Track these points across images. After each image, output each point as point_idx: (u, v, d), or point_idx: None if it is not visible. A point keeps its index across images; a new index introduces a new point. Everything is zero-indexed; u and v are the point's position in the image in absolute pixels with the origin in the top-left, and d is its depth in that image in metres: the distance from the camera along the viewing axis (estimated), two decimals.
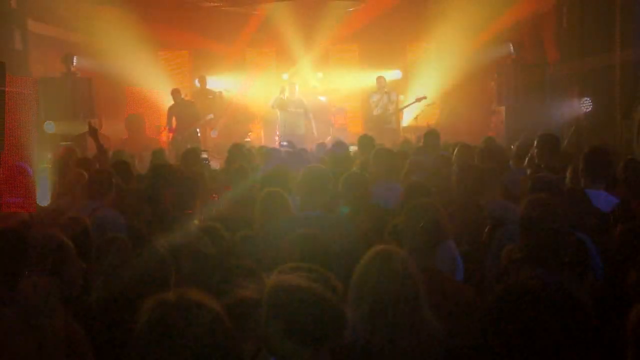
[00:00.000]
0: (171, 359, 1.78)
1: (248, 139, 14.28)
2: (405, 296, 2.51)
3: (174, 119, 13.38)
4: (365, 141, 7.65)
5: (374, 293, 2.53)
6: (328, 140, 12.58)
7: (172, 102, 13.60)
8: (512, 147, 8.38)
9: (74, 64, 13.37)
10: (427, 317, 2.53)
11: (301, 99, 13.87)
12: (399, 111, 14.58)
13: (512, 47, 13.86)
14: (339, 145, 7.89)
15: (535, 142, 6.10)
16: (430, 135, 8.46)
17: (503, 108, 13.30)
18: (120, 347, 2.70)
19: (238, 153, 8.10)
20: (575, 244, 2.83)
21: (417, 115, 14.74)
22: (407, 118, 15.31)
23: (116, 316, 2.87)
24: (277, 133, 13.60)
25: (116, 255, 3.82)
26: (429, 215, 3.27)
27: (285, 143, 10.11)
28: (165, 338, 1.80)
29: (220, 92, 15.31)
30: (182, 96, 13.66)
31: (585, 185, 4.73)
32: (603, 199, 4.54)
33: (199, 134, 13.44)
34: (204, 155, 7.63)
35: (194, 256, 3.36)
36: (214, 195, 5.87)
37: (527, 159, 6.64)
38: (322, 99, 15.50)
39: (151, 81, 15.16)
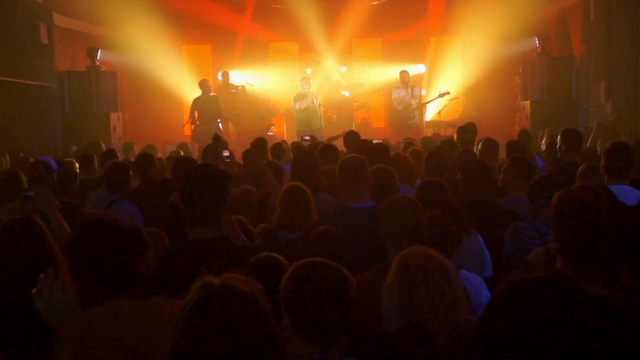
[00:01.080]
0: (208, 342, 1.81)
1: (270, 133, 14.30)
2: (431, 282, 2.51)
3: (196, 112, 13.42)
4: (350, 137, 7.58)
5: (400, 282, 2.53)
6: None
7: (195, 95, 13.66)
8: (542, 142, 8.30)
9: (99, 57, 13.50)
10: (454, 303, 2.53)
11: (314, 93, 13.89)
12: (422, 106, 14.48)
13: (537, 41, 13.70)
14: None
15: (559, 137, 6.04)
16: (464, 129, 8.26)
17: (528, 102, 13.16)
18: None
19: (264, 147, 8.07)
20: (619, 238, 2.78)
21: (441, 110, 14.65)
22: (431, 113, 15.22)
23: None
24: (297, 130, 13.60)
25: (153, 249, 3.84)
26: (403, 211, 3.25)
27: (307, 137, 10.10)
28: (204, 321, 1.83)
29: (243, 87, 15.35)
30: (210, 89, 13.70)
31: (608, 181, 4.66)
32: (628, 194, 4.47)
33: (221, 129, 13.49)
34: (226, 153, 7.62)
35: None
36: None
37: (544, 153, 6.58)
38: (345, 93, 15.46)
39: (174, 75, 15.25)
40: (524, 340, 1.79)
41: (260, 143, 7.84)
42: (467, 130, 8.14)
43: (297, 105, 13.78)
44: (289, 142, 9.97)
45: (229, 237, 3.23)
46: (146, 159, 6.26)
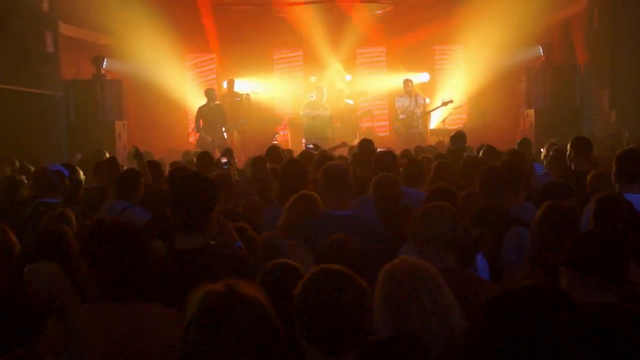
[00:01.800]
0: (218, 350, 1.80)
1: (275, 141, 14.33)
2: (420, 290, 2.52)
3: (201, 121, 13.48)
4: (365, 145, 7.63)
5: (389, 292, 2.54)
6: (355, 142, 12.58)
7: (200, 103, 13.72)
8: (541, 149, 8.31)
9: (104, 66, 13.55)
10: (445, 309, 2.53)
11: (325, 103, 13.99)
12: (426, 114, 14.50)
13: (541, 49, 13.72)
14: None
15: (569, 145, 6.05)
16: (457, 137, 8.56)
17: (532, 111, 13.17)
18: None
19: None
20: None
21: (445, 119, 14.66)
22: (435, 121, 15.24)
23: None
24: (303, 140, 13.65)
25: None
26: (441, 218, 3.25)
27: (311, 145, 10.12)
28: (214, 329, 1.82)
29: (248, 95, 15.39)
30: (215, 98, 13.77)
31: (620, 189, 4.62)
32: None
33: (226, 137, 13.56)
34: (224, 160, 7.62)
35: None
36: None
37: (546, 161, 6.60)
38: (350, 102, 15.50)
39: (179, 83, 15.30)
40: (512, 348, 1.80)
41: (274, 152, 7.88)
42: (459, 138, 8.54)
43: (302, 112, 13.84)
44: (293, 150, 10.00)
45: (218, 246, 3.21)
46: (153, 167, 6.28)
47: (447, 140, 13.37)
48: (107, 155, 9.43)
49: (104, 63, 13.53)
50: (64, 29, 12.70)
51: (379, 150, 7.45)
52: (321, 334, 2.17)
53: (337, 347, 2.18)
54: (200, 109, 13.53)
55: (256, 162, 6.73)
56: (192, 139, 14.30)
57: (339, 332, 2.17)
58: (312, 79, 15.97)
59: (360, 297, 2.21)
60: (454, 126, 14.40)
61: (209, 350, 1.79)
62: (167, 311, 2.55)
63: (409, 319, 2.49)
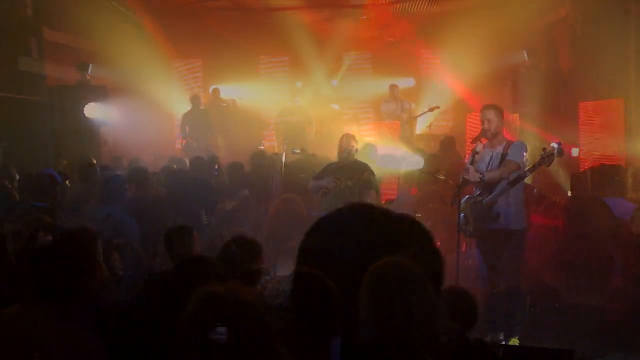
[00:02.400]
0: (213, 349, 1.81)
1: (261, 147, 14.32)
2: (406, 291, 2.53)
3: (187, 127, 13.49)
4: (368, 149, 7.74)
5: (375, 293, 2.55)
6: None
7: (185, 110, 13.72)
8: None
9: (89, 72, 13.47)
10: (431, 310, 2.54)
11: (304, 107, 14.02)
12: (412, 119, 14.56)
13: (526, 54, 13.83)
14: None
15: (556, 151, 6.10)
16: (446, 141, 8.61)
17: (517, 115, 13.25)
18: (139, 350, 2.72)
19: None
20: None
21: (431, 124, 14.72)
22: (421, 126, 15.29)
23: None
24: (284, 146, 13.71)
25: (129, 261, 3.85)
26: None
27: (297, 150, 10.13)
28: (210, 328, 1.82)
29: (234, 100, 15.39)
30: (201, 105, 13.79)
31: (597, 193, 4.67)
32: (622, 207, 4.47)
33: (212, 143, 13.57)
34: (215, 166, 7.63)
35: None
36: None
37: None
38: (336, 107, 15.53)
39: (165, 89, 15.26)
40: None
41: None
42: (448, 143, 8.51)
43: (275, 119, 13.96)
44: (280, 154, 10.01)
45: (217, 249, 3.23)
46: (139, 172, 6.27)
47: (433, 144, 13.48)
48: (94, 161, 9.42)
49: (89, 69, 13.46)
50: (48, 34, 12.63)
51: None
52: (290, 337, 2.17)
53: (306, 349, 2.18)
54: (186, 115, 13.54)
55: (233, 168, 6.77)
56: (179, 145, 14.26)
57: (307, 336, 2.16)
58: (298, 84, 16.00)
59: (327, 301, 2.21)
60: (440, 131, 14.47)
61: (203, 349, 1.80)
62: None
63: (394, 320, 2.49)
